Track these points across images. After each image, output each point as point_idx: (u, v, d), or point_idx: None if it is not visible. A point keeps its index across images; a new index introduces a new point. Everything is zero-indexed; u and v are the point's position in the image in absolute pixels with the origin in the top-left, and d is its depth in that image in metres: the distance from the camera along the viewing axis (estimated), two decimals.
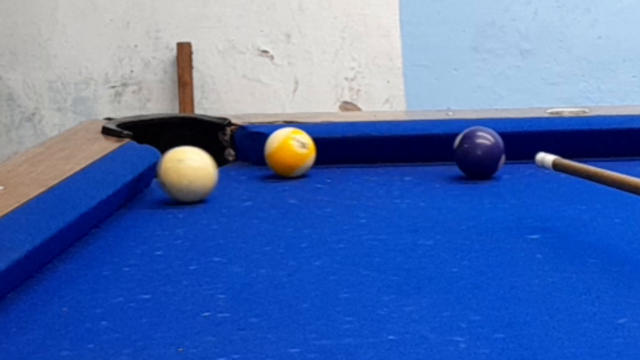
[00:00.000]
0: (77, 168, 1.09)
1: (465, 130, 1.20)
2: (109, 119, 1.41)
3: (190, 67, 2.36)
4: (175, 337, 0.61)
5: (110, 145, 1.23)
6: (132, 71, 2.40)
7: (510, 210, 1.03)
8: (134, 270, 0.83)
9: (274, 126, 1.31)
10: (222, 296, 0.74)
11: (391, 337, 0.59)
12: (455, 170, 1.19)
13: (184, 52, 2.36)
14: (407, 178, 1.19)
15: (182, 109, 2.36)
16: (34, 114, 2.43)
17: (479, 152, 1.21)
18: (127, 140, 1.25)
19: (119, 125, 1.31)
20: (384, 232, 0.95)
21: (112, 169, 1.14)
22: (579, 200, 1.01)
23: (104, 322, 0.65)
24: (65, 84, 2.43)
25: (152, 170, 1.18)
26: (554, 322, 0.60)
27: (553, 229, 0.91)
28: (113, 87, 2.39)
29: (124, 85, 2.41)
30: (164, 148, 1.22)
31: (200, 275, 0.82)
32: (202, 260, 0.88)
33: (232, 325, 0.63)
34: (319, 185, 1.18)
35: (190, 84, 2.34)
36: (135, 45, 2.36)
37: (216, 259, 0.88)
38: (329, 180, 1.20)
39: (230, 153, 1.30)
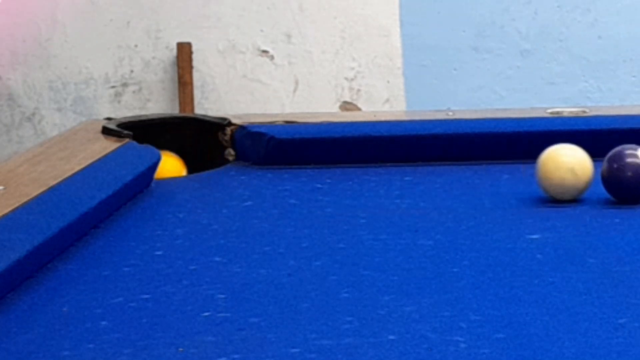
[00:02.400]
0: (77, 168, 1.09)
1: (611, 152, 1.12)
2: (109, 119, 1.41)
3: (190, 67, 2.34)
4: (175, 337, 0.61)
5: (110, 145, 1.23)
6: (132, 71, 2.38)
7: (511, 210, 1.02)
8: (134, 270, 0.83)
9: (275, 126, 1.32)
10: (222, 296, 0.74)
11: (391, 337, 0.58)
12: (454, 170, 1.20)
13: (184, 52, 2.34)
14: (407, 178, 1.19)
15: (182, 109, 2.34)
16: (34, 114, 2.41)
17: (629, 173, 1.10)
18: (127, 140, 1.25)
19: (119, 125, 1.30)
20: (384, 232, 0.95)
21: (112, 169, 1.14)
22: (581, 200, 1.01)
23: (104, 322, 0.65)
24: (65, 84, 2.41)
25: (152, 170, 1.18)
26: (554, 322, 0.60)
27: (553, 229, 0.90)
28: (113, 87, 2.37)
29: (124, 85, 2.38)
30: (164, 148, 1.24)
31: (200, 275, 0.82)
32: (202, 260, 0.88)
33: (232, 325, 0.63)
34: (319, 185, 1.18)
35: (191, 84, 2.33)
36: (135, 45, 2.34)
37: (216, 258, 0.88)
38: (329, 180, 1.20)
39: (230, 153, 1.30)
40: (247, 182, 1.22)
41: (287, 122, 1.35)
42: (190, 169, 1.31)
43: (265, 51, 2.34)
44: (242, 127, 1.31)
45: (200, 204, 1.16)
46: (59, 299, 0.74)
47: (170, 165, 1.29)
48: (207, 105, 2.34)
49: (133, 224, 1.03)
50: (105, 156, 1.16)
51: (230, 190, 1.19)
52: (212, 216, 1.06)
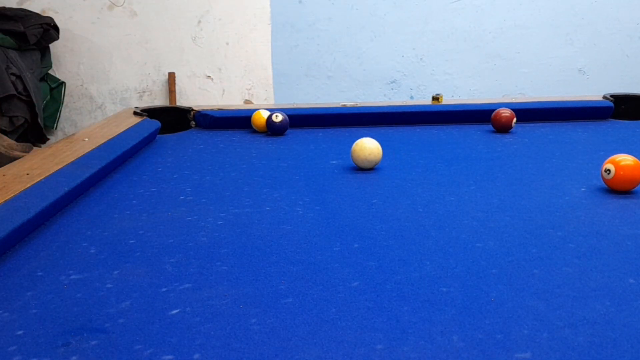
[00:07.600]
0: (121, 130, 1.31)
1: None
2: (136, 107, 1.63)
3: (174, 84, 2.81)
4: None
5: (136, 119, 1.46)
6: (147, 85, 2.82)
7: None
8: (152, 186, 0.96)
9: (212, 111, 1.59)
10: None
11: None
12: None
13: (171, 76, 2.83)
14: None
15: (170, 103, 2.74)
16: (101, 105, 2.89)
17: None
18: (144, 117, 1.49)
19: (141, 110, 1.57)
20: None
21: (136, 131, 1.34)
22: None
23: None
24: (117, 91, 2.83)
25: (156, 132, 1.40)
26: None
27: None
28: (139, 93, 2.84)
29: (143, 92, 2.83)
30: (163, 122, 1.49)
31: (178, 181, 0.95)
32: (177, 170, 1.02)
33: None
34: (234, 138, 1.36)
35: (174, 91, 2.82)
36: (149, 73, 2.85)
37: (186, 172, 1.01)
38: (235, 137, 1.36)
39: (192, 124, 1.61)
40: (201, 137, 1.45)
41: (218, 109, 1.62)
42: (173, 131, 1.54)
43: (209, 76, 2.88)
44: (198, 112, 1.62)
45: (178, 146, 1.34)
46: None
47: (259, 116, 1.50)
48: (181, 102, 2.82)
49: (147, 156, 1.21)
50: (134, 125, 1.37)
51: (192, 140, 1.41)
52: (184, 151, 1.27)
